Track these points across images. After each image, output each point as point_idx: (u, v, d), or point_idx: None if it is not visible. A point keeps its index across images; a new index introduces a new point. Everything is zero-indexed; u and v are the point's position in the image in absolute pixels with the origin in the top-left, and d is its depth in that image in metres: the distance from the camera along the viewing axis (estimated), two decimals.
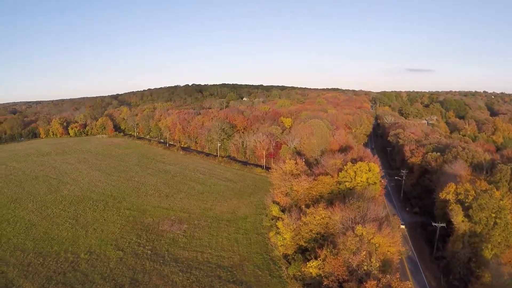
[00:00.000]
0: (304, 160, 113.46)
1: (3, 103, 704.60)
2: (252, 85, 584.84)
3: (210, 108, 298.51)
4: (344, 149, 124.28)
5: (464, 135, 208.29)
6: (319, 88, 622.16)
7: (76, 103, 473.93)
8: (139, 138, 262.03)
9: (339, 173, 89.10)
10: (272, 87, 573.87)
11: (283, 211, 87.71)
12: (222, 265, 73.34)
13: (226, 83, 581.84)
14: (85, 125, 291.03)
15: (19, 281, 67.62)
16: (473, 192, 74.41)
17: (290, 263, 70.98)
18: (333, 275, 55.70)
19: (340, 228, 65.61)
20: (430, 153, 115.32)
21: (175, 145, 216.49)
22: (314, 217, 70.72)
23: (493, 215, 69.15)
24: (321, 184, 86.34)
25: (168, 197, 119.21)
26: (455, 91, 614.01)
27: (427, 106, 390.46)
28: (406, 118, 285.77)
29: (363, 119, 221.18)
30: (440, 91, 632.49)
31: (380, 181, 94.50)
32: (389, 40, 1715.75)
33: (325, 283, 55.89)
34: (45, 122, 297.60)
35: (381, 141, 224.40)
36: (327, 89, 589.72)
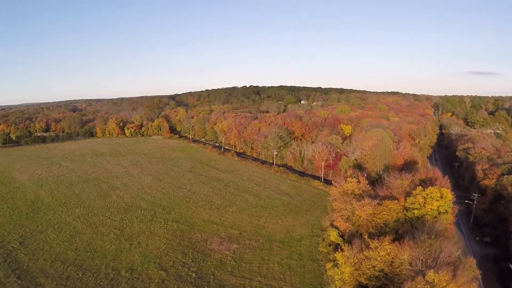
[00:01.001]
0: (365, 175, 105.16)
1: (65, 100, 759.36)
2: (310, 88, 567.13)
3: (267, 112, 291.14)
4: (408, 164, 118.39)
5: None
6: (378, 91, 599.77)
7: (134, 103, 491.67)
8: (194, 141, 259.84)
9: (407, 198, 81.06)
10: (330, 89, 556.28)
11: (342, 236, 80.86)
12: None
13: (284, 85, 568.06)
14: (141, 126, 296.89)
15: None
16: None
17: None
18: None
19: (407, 270, 58.06)
20: (506, 176, 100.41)
21: (230, 150, 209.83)
22: (379, 252, 62.90)
23: None
24: (386, 210, 78.17)
25: (219, 209, 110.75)
26: None
27: (492, 113, 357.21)
28: (472, 128, 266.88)
29: (427, 128, 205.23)
30: (503, 96, 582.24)
31: (452, 208, 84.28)
32: (451, 41, 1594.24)
33: None
34: (102, 122, 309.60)
35: (445, 153, 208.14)
36: (387, 93, 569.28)
